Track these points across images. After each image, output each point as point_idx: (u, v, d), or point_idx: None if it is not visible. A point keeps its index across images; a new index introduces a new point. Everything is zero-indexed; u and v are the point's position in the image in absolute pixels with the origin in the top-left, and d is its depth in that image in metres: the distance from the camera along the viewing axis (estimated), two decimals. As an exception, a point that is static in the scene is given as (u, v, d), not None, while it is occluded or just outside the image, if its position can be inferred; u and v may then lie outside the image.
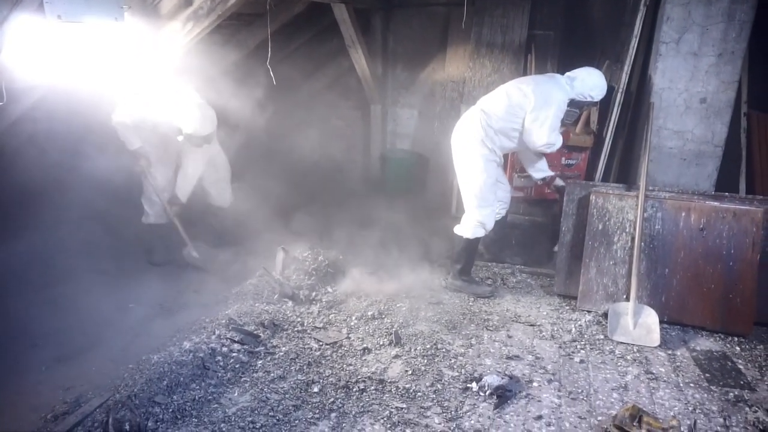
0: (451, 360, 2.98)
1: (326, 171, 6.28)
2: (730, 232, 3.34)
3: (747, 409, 2.65)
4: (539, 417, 2.54)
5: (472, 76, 5.63)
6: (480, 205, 3.67)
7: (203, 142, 3.91)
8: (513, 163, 4.24)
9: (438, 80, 5.99)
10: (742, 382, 2.86)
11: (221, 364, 2.84)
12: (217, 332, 3.11)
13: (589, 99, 3.53)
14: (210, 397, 2.60)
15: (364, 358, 2.98)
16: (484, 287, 3.83)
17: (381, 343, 3.14)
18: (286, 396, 2.63)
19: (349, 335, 3.21)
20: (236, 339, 3.04)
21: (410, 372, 2.86)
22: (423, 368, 2.90)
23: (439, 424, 2.48)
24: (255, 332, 3.14)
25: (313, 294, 3.69)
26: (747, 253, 3.30)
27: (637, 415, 2.47)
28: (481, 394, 2.69)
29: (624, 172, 3.98)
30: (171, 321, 3.41)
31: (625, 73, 3.77)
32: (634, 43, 3.72)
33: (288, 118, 6.45)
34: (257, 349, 3.00)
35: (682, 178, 3.74)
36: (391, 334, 3.18)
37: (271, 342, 3.08)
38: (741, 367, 3.01)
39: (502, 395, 2.67)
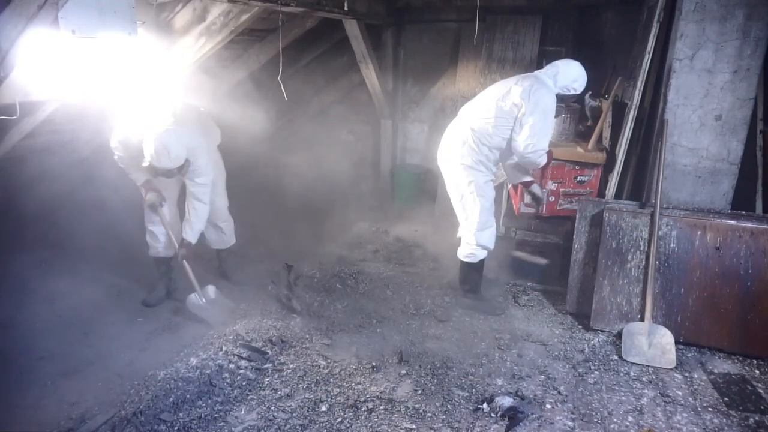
0: (461, 379, 2.93)
1: (336, 186, 6.27)
2: (748, 251, 3.27)
3: (768, 435, 2.57)
4: (552, 440, 2.48)
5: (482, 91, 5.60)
6: (480, 228, 3.59)
7: (169, 174, 3.36)
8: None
9: (448, 95, 5.99)
10: (762, 407, 2.78)
11: (228, 381, 2.81)
12: (224, 348, 3.08)
13: (572, 92, 3.44)
14: (216, 415, 2.56)
15: (372, 376, 2.93)
16: (494, 304, 3.77)
17: (390, 361, 3.09)
18: (294, 415, 2.59)
19: (358, 352, 3.16)
20: (244, 355, 3.01)
21: (419, 391, 2.81)
22: (432, 387, 2.84)
23: (450, 446, 2.42)
24: (262, 348, 3.11)
25: (323, 310, 3.66)
26: (765, 273, 3.22)
27: (653, 440, 2.40)
28: (493, 415, 2.63)
29: (637, 190, 3.92)
30: (178, 336, 3.38)
31: (638, 90, 3.73)
32: (647, 59, 3.68)
33: (299, 132, 6.48)
34: (265, 366, 2.97)
35: (696, 195, 3.67)
36: (399, 352, 3.14)
37: (278, 359, 3.05)
38: (761, 391, 2.92)
39: (514, 417, 2.61)
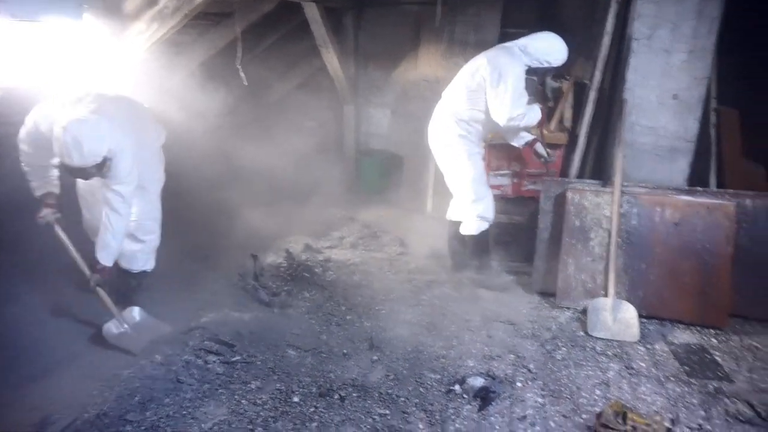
0: (432, 363, 2.94)
1: (300, 173, 6.17)
2: (705, 226, 3.37)
3: (726, 400, 2.66)
4: (524, 417, 2.51)
5: (446, 75, 5.57)
6: (476, 200, 3.68)
7: (83, 175, 2.82)
8: (489, 161, 4.21)
9: (411, 80, 5.96)
10: (720, 374, 2.89)
11: (196, 376, 2.74)
12: (191, 343, 3.00)
13: (546, 65, 3.46)
14: (185, 412, 2.50)
15: (343, 364, 2.91)
16: (509, 283, 3.85)
17: (361, 347, 3.07)
18: (265, 407, 2.54)
19: (329, 341, 3.13)
20: (212, 350, 2.94)
21: (392, 376, 2.80)
22: (404, 372, 2.84)
23: (423, 429, 2.43)
24: (231, 342, 3.04)
25: (291, 299, 3.61)
26: (721, 247, 3.34)
27: (621, 411, 2.45)
28: (465, 396, 2.65)
29: (599, 169, 3.99)
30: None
31: (599, 70, 3.79)
32: (606, 40, 3.73)
33: (259, 119, 6.33)
34: (234, 359, 2.91)
35: (655, 173, 3.76)
36: (370, 338, 3.13)
37: (248, 351, 2.98)
38: (718, 359, 3.04)
39: (486, 397, 2.63)
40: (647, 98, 3.67)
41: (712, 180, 3.91)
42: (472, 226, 3.74)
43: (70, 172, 2.80)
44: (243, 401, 2.58)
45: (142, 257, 3.41)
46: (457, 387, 2.71)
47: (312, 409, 2.53)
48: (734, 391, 2.74)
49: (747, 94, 4.05)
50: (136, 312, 3.23)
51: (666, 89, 3.62)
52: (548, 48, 3.44)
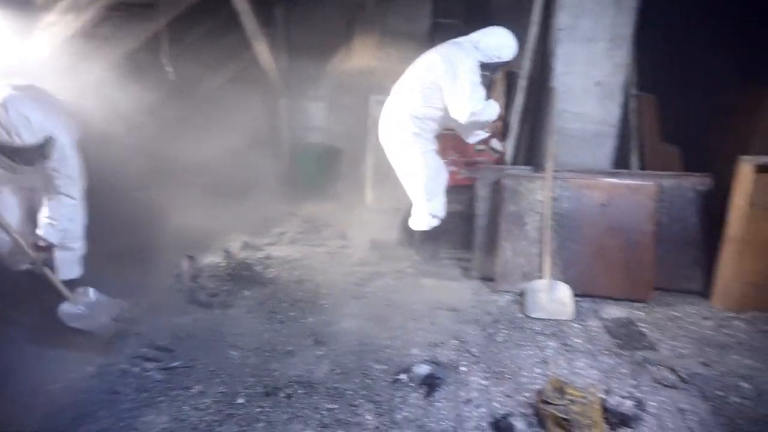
0: (378, 354, 2.95)
1: (236, 170, 6.02)
2: (629, 206, 3.56)
3: (653, 368, 2.83)
4: (469, 400, 2.57)
5: (380, 66, 5.62)
6: (429, 198, 3.68)
7: (27, 160, 2.77)
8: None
9: (346, 71, 5.93)
10: (646, 344, 3.07)
11: (133, 386, 2.62)
12: (126, 351, 2.87)
13: (497, 60, 3.48)
14: (123, 424, 2.38)
15: (288, 361, 2.87)
16: (451, 270, 3.89)
17: (305, 343, 3.04)
18: (209, 412, 2.47)
19: (272, 339, 3.08)
20: (149, 356, 2.82)
21: (338, 371, 2.79)
22: (350, 365, 2.84)
23: (372, 420, 2.44)
24: (169, 347, 2.93)
25: (231, 299, 3.52)
26: (644, 225, 3.54)
27: (559, 387, 2.56)
28: (411, 384, 2.68)
29: (532, 155, 4.13)
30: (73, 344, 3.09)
31: (528, 59, 3.90)
32: (534, 30, 3.85)
33: (190, 115, 6.10)
34: (173, 365, 2.80)
35: (583, 157, 3.93)
36: (314, 333, 3.10)
37: (188, 355, 2.88)
38: (645, 330, 3.22)
39: (432, 383, 2.67)
40: (573, 86, 3.81)
41: (634, 162, 4.13)
42: (422, 223, 3.77)
43: (11, 158, 2.62)
44: (185, 407, 2.49)
45: (70, 265, 3.25)
46: (403, 376, 2.74)
47: (258, 410, 2.48)
48: (659, 358, 2.93)
49: (662, 80, 4.30)
50: (90, 292, 3.15)
51: (590, 77, 3.78)
52: (499, 43, 3.47)
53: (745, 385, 2.73)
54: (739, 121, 4.09)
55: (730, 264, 3.37)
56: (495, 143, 3.88)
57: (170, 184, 4.99)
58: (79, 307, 3.06)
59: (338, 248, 4.37)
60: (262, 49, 5.30)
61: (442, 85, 3.40)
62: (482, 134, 3.83)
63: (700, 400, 2.60)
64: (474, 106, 3.37)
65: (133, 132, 4.76)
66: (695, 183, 3.67)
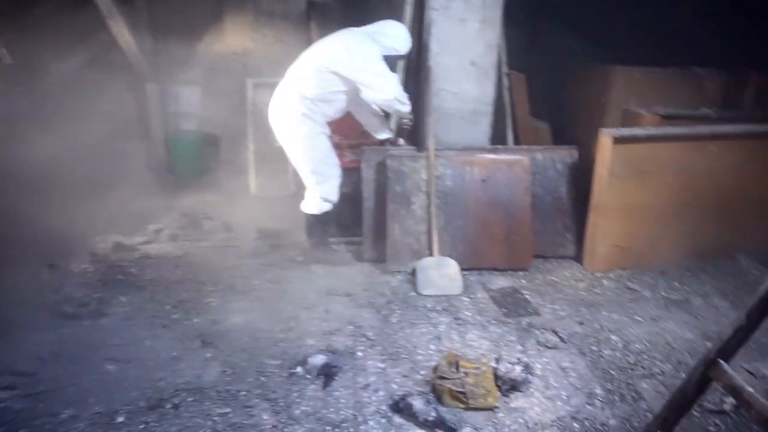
0: (271, 348, 2.83)
1: (101, 164, 5.47)
2: (507, 180, 3.73)
3: (537, 332, 3.02)
4: (367, 385, 2.56)
5: (255, 47, 5.38)
6: (320, 181, 3.58)
7: None
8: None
9: (219, 53, 5.60)
10: (530, 310, 3.26)
11: (-14, 419, 2.28)
12: (-25, 381, 2.48)
13: (394, 53, 3.51)
14: (-25, 465, 2.07)
15: (174, 368, 2.66)
16: (342, 255, 3.86)
17: (192, 347, 2.84)
18: (83, 436, 2.22)
19: (154, 346, 2.84)
20: (4, 384, 2.46)
21: (229, 372, 2.64)
22: (243, 364, 2.70)
23: (269, 419, 2.33)
24: (30, 370, 2.58)
25: (104, 308, 3.19)
26: (521, 197, 3.73)
27: (454, 361, 2.63)
28: (308, 376, 2.61)
29: (415, 135, 4.17)
30: None
31: (404, 39, 3.90)
32: (408, 9, 3.85)
33: (39, 105, 5.41)
34: (37, 391, 2.47)
35: (462, 135, 4.04)
36: (201, 334, 2.91)
37: (54, 377, 2.56)
38: (528, 297, 3.42)
39: (329, 373, 2.62)
40: (449, 65, 3.89)
41: (510, 138, 4.34)
42: (313, 207, 3.67)
43: None
44: (54, 435, 2.22)
45: None
46: (299, 369, 2.66)
47: (142, 426, 2.27)
48: (542, 322, 3.12)
49: (529, 60, 4.55)
50: None
51: (465, 56, 3.87)
52: (395, 36, 3.48)
53: (614, 337, 3.00)
54: (595, 96, 4.45)
55: (597, 229, 3.67)
56: (401, 142, 3.97)
57: (22, 185, 4.40)
58: None
59: (223, 241, 4.14)
60: (120, 30, 4.81)
61: (357, 67, 3.34)
62: (389, 133, 3.86)
63: (578, 357, 2.82)
64: (397, 90, 3.38)
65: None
66: (564, 156, 3.93)
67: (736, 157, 3.66)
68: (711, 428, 2.36)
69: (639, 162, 3.55)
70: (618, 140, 3.46)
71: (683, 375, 2.68)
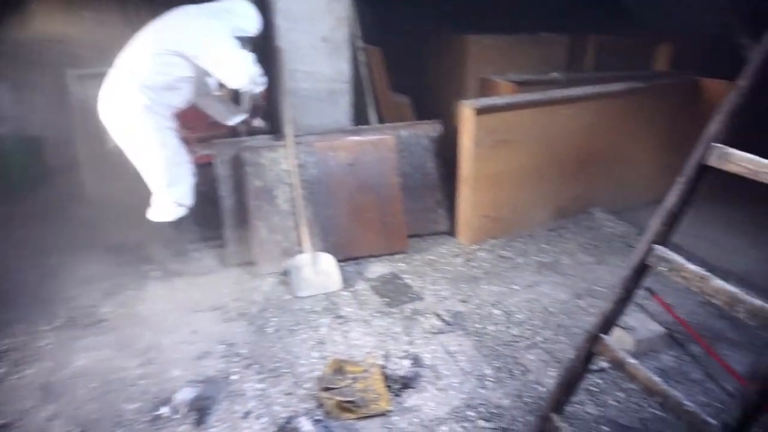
0: (129, 390, 2.42)
1: None
2: (374, 161, 3.57)
3: (421, 318, 2.93)
4: (247, 413, 2.28)
5: (74, 33, 4.65)
6: (171, 183, 3.12)
7: None
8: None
9: (28, 42, 4.74)
10: (411, 296, 3.15)
11: None
12: None
13: (243, 34, 3.13)
14: None
15: (1, 439, 2.17)
16: (205, 262, 3.44)
17: (25, 407, 2.33)
18: None
19: (-29, 415, 2.29)
20: None
21: (77, 430, 2.20)
22: (93, 417, 2.27)
23: (131, 480, 1.97)
24: None
25: None
26: (390, 178, 3.60)
27: (339, 367, 2.44)
28: (177, 416, 2.26)
29: (272, 122, 3.83)
30: None
31: (246, 17, 3.51)
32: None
33: None
34: None
35: (322, 118, 3.79)
36: (37, 389, 2.41)
37: None
38: (408, 281, 3.31)
39: (201, 407, 2.30)
40: (300, 43, 3.60)
41: (372, 116, 4.16)
42: (166, 213, 3.20)
43: None
44: None
45: None
46: (164, 409, 2.29)
47: None
48: (425, 307, 3.04)
49: (382, 33, 4.38)
50: None
51: (315, 32, 3.60)
52: (243, 15, 3.12)
53: (496, 311, 3.00)
54: (452, 66, 4.42)
55: (467, 201, 3.66)
56: (257, 122, 3.59)
57: None
58: None
59: (58, 264, 3.51)
60: None
61: (197, 55, 2.95)
62: (242, 114, 3.51)
63: (464, 338, 2.76)
64: (254, 70, 3.03)
65: None
66: (428, 130, 3.85)
67: (585, 118, 3.83)
68: (593, 388, 2.43)
69: (500, 131, 3.56)
70: (479, 111, 3.43)
71: (563, 339, 2.75)
